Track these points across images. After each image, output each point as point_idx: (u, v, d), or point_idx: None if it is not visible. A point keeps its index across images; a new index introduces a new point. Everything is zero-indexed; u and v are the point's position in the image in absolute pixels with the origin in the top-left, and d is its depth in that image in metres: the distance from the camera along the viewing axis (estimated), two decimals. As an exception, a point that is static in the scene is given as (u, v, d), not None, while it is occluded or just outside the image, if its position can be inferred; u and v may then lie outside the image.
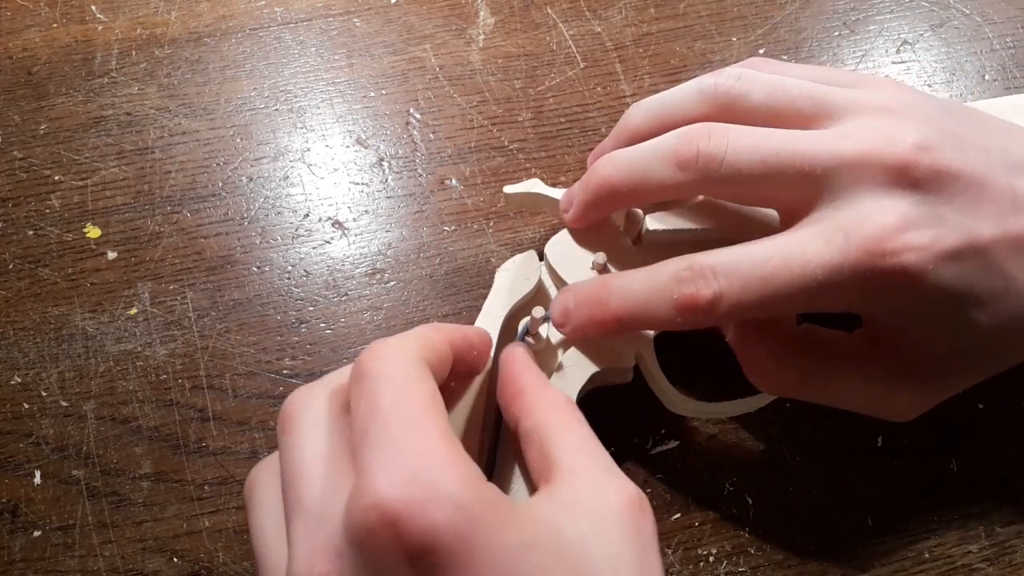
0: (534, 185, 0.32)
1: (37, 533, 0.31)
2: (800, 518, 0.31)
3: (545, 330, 0.29)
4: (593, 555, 0.20)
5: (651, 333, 0.30)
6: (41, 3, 0.41)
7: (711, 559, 0.30)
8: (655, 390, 0.31)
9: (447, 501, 0.18)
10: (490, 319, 0.29)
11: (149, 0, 0.41)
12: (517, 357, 0.27)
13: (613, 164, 0.27)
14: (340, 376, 0.23)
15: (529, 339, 0.29)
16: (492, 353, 0.28)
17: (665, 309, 0.25)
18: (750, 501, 0.31)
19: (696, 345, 0.31)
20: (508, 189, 0.32)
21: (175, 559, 0.31)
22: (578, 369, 0.29)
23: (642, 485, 0.32)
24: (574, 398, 0.28)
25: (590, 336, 0.28)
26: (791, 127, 0.25)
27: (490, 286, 0.34)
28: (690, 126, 0.26)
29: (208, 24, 0.40)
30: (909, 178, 0.23)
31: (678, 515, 0.31)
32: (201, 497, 0.31)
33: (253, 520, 0.22)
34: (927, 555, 0.31)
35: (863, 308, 0.25)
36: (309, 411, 0.22)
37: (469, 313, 0.34)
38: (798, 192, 0.24)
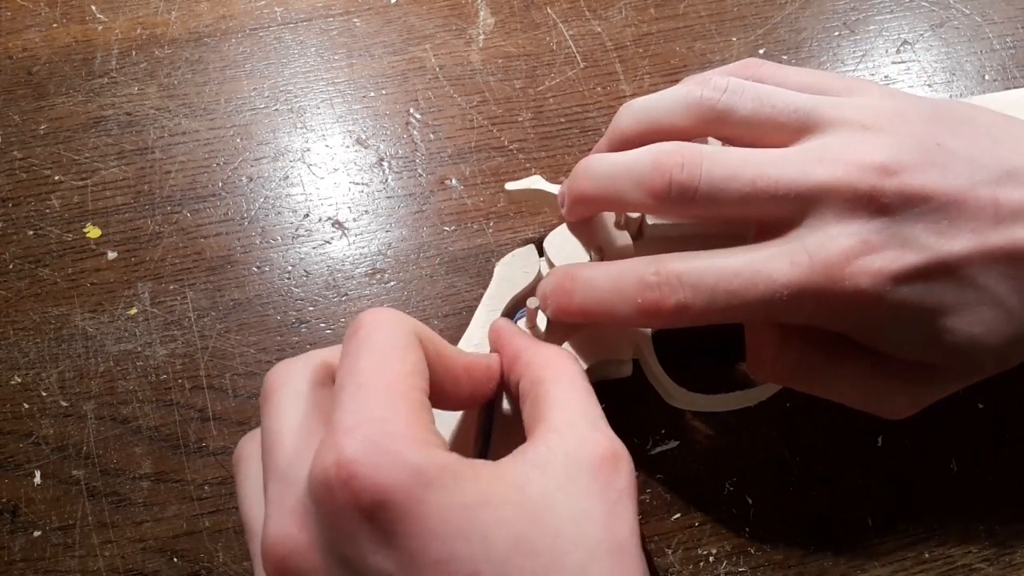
0: (535, 181, 0.32)
1: (37, 533, 0.31)
2: (800, 518, 0.31)
3: (542, 321, 0.29)
4: (557, 511, 0.20)
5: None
6: (41, 3, 0.41)
7: (711, 559, 0.30)
8: (653, 383, 0.31)
9: (403, 463, 0.19)
10: (489, 311, 0.30)
11: (149, 0, 0.41)
12: (503, 327, 0.27)
13: (589, 178, 0.27)
14: (325, 352, 0.24)
15: (525, 330, 0.29)
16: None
17: (627, 310, 0.25)
18: (750, 501, 0.31)
19: (694, 338, 0.31)
20: (509, 186, 0.33)
21: (175, 559, 0.31)
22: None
23: (642, 485, 0.32)
24: None
25: (568, 321, 0.28)
26: (773, 143, 0.26)
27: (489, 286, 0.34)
28: (663, 150, 0.25)
29: (208, 24, 0.40)
30: (876, 204, 0.23)
31: (678, 515, 0.31)
32: (201, 497, 0.31)
33: (239, 489, 0.23)
34: (927, 555, 0.31)
35: (830, 324, 0.25)
36: (290, 383, 0.23)
37: (469, 313, 0.34)
38: (772, 215, 0.25)
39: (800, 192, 0.24)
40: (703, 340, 0.31)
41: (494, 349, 0.27)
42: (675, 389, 0.30)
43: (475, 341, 0.29)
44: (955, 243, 0.23)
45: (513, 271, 0.31)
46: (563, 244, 0.30)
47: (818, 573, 0.30)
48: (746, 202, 0.24)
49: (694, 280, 0.24)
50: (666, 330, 0.30)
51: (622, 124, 0.29)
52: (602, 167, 0.27)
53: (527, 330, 0.29)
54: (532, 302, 0.28)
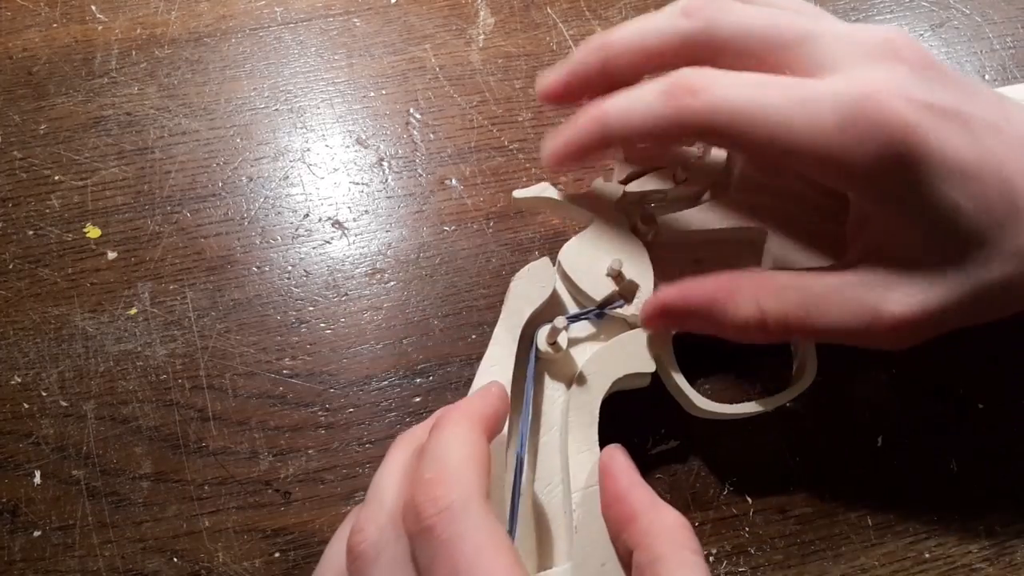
0: (544, 189, 0.31)
1: (37, 533, 0.31)
2: (800, 518, 0.31)
3: (564, 339, 0.29)
4: None
5: (669, 335, 0.30)
6: (41, 3, 0.41)
7: (711, 559, 0.30)
8: (674, 393, 0.31)
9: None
10: (508, 328, 0.29)
11: (149, 0, 0.41)
12: (621, 469, 0.26)
13: (607, 112, 0.27)
14: (398, 501, 0.23)
15: (549, 349, 0.29)
16: (512, 360, 0.28)
17: (658, 107, 0.25)
18: (750, 501, 0.31)
19: (714, 348, 0.32)
20: (517, 193, 0.32)
21: (175, 559, 0.31)
22: (599, 377, 0.29)
23: (642, 485, 0.32)
24: (597, 406, 0.29)
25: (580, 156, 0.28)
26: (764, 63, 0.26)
27: (490, 286, 0.34)
28: (676, 80, 0.26)
29: (208, 24, 0.40)
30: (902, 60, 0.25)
31: (678, 515, 0.31)
32: (201, 497, 0.31)
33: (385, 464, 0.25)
34: (927, 555, 0.31)
35: (851, 169, 0.25)
36: (386, 553, 0.23)
37: (469, 313, 0.34)
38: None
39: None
40: (721, 349, 0.32)
41: (605, 484, 0.26)
42: (697, 398, 0.30)
43: (495, 361, 0.29)
44: (974, 107, 0.25)
45: (529, 286, 0.30)
46: (579, 257, 0.30)
47: (818, 573, 0.30)
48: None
49: (730, 95, 0.25)
50: (684, 341, 0.30)
51: (615, 47, 0.28)
52: (620, 102, 0.27)
53: (550, 348, 0.29)
54: (560, 321, 0.28)
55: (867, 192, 0.25)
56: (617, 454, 0.27)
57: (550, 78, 0.29)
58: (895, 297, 0.25)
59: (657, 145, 0.32)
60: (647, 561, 0.23)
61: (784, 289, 0.26)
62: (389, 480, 0.24)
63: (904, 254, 0.25)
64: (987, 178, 0.24)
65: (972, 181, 0.24)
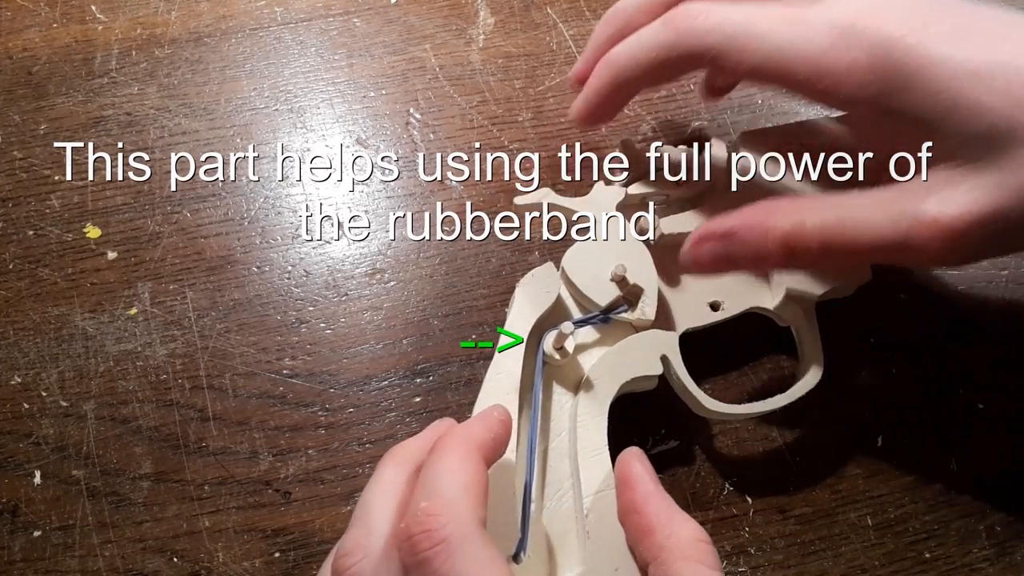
0: (545, 195, 0.31)
1: (37, 533, 0.31)
2: (800, 518, 0.31)
3: (571, 344, 0.29)
4: None
5: (675, 334, 0.30)
6: (41, 3, 0.41)
7: (711, 559, 0.30)
8: (681, 394, 0.31)
9: None
10: (516, 334, 0.29)
11: (149, 0, 0.41)
12: (638, 478, 0.25)
13: (615, 55, 0.28)
14: (390, 527, 0.23)
15: (555, 354, 0.29)
16: (519, 367, 0.28)
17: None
18: (750, 501, 0.31)
19: (714, 348, 0.32)
20: (519, 200, 0.32)
21: (175, 559, 0.31)
22: (607, 381, 0.29)
23: (642, 485, 0.32)
24: (605, 410, 0.29)
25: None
26: None
27: (490, 286, 0.34)
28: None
29: (208, 24, 0.40)
30: None
31: (678, 515, 0.31)
32: (201, 497, 0.31)
33: (373, 481, 0.25)
34: (927, 555, 0.31)
35: (846, 82, 0.25)
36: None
37: (469, 313, 0.34)
38: None
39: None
40: (719, 350, 0.32)
41: (622, 491, 0.25)
42: (705, 399, 0.30)
43: (501, 368, 0.29)
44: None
45: (535, 291, 0.30)
46: (582, 262, 0.30)
47: (818, 573, 0.30)
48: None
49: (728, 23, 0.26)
50: (690, 342, 0.30)
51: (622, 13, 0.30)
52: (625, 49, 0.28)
53: (557, 354, 0.29)
54: (566, 327, 0.28)
55: (863, 107, 0.25)
56: (634, 462, 0.26)
57: (577, 65, 0.31)
58: (934, 200, 0.24)
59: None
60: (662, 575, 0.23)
61: (821, 204, 0.26)
62: (380, 502, 0.23)
63: (935, 162, 0.25)
64: (1009, 75, 0.23)
65: (989, 79, 0.23)
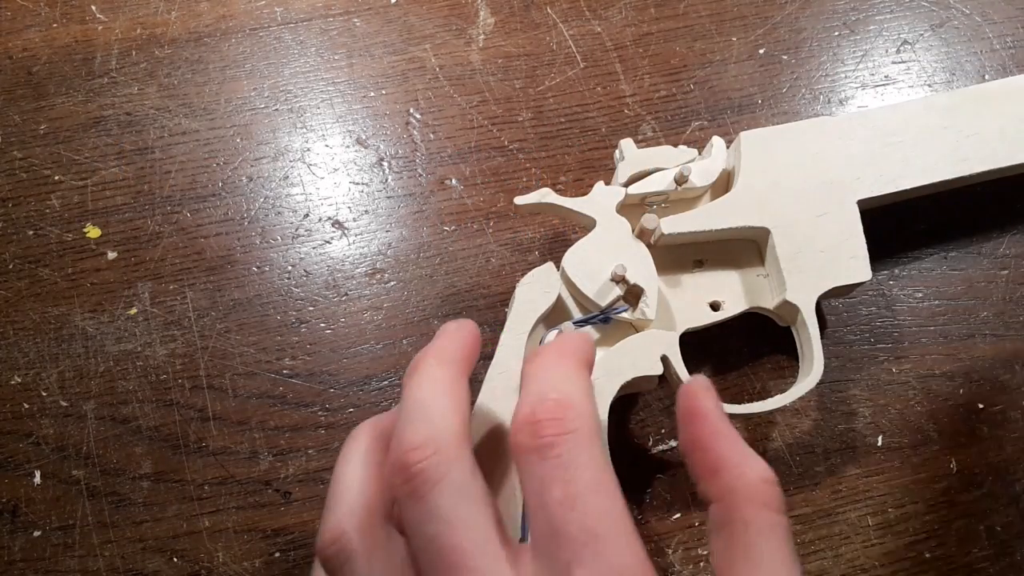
0: (546, 195, 0.31)
1: (37, 533, 0.31)
2: (800, 518, 0.31)
3: None
4: None
5: (675, 334, 0.30)
6: (41, 3, 0.41)
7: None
8: None
9: None
10: (515, 335, 0.29)
11: (149, 0, 0.41)
12: (707, 413, 0.23)
13: None
14: (370, 493, 0.22)
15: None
16: (520, 367, 0.28)
17: None
18: (750, 501, 0.31)
19: (714, 348, 0.32)
20: (519, 200, 0.31)
21: (175, 559, 0.31)
22: (607, 381, 0.29)
23: (642, 485, 0.32)
24: (606, 410, 0.28)
25: None
26: None
27: (490, 286, 0.34)
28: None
29: (208, 24, 0.40)
30: None
31: (678, 515, 0.31)
32: (201, 497, 0.31)
33: (343, 457, 0.23)
34: (927, 555, 0.31)
35: None
36: (378, 553, 0.22)
37: (468, 313, 0.34)
38: None
39: None
40: (719, 350, 0.32)
41: (687, 422, 0.23)
42: None
43: (503, 369, 0.29)
44: None
45: (534, 292, 0.30)
46: (582, 262, 0.30)
47: (818, 573, 0.30)
48: None
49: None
50: (690, 340, 0.30)
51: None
52: None
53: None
54: (567, 326, 0.28)
55: None
56: (703, 394, 0.23)
57: None
58: None
59: None
60: (727, 520, 0.22)
61: None
62: (354, 475, 0.23)
63: None
64: None
65: None
